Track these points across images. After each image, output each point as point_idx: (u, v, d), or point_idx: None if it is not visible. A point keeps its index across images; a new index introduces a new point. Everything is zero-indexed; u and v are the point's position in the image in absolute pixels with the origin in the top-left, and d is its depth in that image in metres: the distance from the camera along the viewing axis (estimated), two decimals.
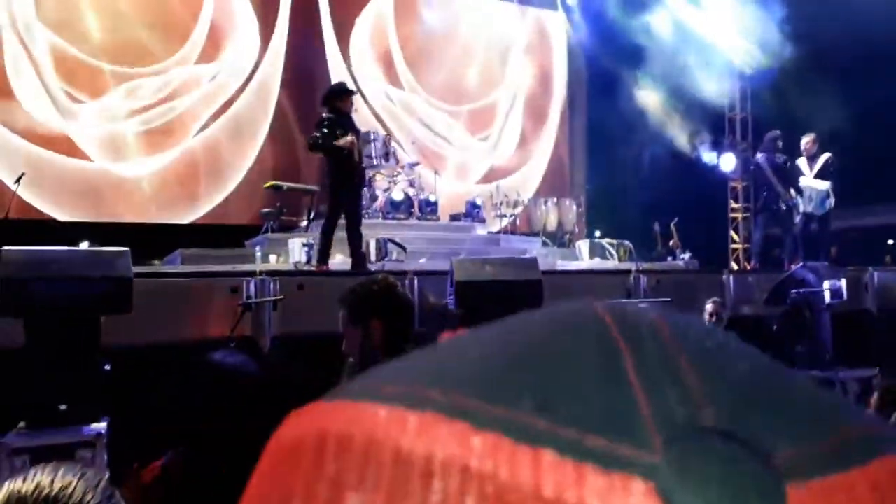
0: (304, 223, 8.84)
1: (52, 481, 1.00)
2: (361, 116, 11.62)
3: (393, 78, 12.03)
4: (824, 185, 7.99)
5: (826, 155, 8.13)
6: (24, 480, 1.00)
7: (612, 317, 0.21)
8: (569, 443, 0.17)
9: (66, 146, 9.46)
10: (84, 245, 5.96)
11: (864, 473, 0.19)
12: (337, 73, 11.43)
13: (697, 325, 0.22)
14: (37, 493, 0.98)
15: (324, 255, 6.12)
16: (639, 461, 0.17)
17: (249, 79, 10.75)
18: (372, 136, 6.32)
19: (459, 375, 0.20)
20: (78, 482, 1.02)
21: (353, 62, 11.58)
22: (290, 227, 8.86)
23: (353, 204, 6.15)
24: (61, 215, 9.33)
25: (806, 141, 8.20)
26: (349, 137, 5.90)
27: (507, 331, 0.22)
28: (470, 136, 12.63)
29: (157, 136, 10.08)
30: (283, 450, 0.21)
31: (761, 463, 0.17)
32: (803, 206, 8.06)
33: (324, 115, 6.04)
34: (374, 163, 6.32)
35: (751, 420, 0.19)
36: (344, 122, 6.02)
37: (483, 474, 0.17)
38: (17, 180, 7.26)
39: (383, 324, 2.03)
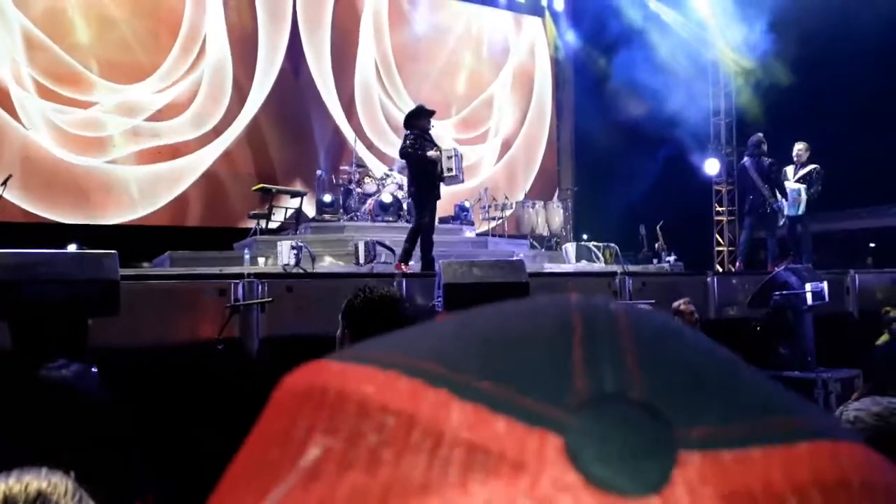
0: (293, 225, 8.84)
1: (46, 482, 1.00)
2: (355, 123, 11.60)
3: (383, 84, 12.08)
4: (797, 186, 8.04)
5: (814, 165, 8.12)
6: (14, 481, 1.00)
7: (578, 305, 0.24)
8: (503, 401, 0.20)
9: (52, 148, 9.42)
10: (72, 247, 5.94)
11: (779, 452, 0.20)
12: (323, 76, 11.45)
13: (657, 319, 0.25)
14: (27, 492, 0.99)
15: (407, 255, 6.66)
16: (559, 420, 0.20)
17: (237, 88, 10.77)
18: (455, 153, 6.79)
19: (430, 346, 0.23)
20: (66, 483, 1.03)
21: (346, 70, 11.62)
22: (279, 230, 8.86)
23: (434, 212, 6.83)
24: (51, 215, 9.29)
25: (799, 148, 8.17)
26: (435, 151, 6.64)
27: (484, 312, 0.26)
28: (459, 140, 12.68)
29: (144, 140, 10.06)
30: (278, 398, 0.25)
31: (660, 429, 0.20)
32: (787, 209, 8.12)
33: (410, 132, 6.70)
34: (460, 177, 6.83)
35: (674, 399, 0.21)
36: (427, 138, 6.71)
37: (426, 423, 0.20)
38: (4, 182, 7.22)
39: (353, 337, 2.03)
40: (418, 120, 6.74)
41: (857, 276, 7.07)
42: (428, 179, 6.64)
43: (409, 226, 8.84)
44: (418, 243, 6.65)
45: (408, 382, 0.21)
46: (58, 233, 8.16)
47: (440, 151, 6.76)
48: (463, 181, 7.68)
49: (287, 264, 6.56)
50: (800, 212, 8.04)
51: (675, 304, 5.06)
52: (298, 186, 10.18)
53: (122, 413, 1.80)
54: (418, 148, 6.58)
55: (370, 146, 11.73)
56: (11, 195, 8.32)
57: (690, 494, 0.19)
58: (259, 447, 0.23)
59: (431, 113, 6.91)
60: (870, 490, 0.20)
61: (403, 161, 9.71)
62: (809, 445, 0.21)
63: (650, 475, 0.19)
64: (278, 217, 9.07)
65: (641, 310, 0.25)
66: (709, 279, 6.65)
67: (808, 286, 5.91)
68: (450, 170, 6.75)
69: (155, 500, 1.70)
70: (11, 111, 9.12)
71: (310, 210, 9.75)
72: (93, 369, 1.77)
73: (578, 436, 0.19)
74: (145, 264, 7.50)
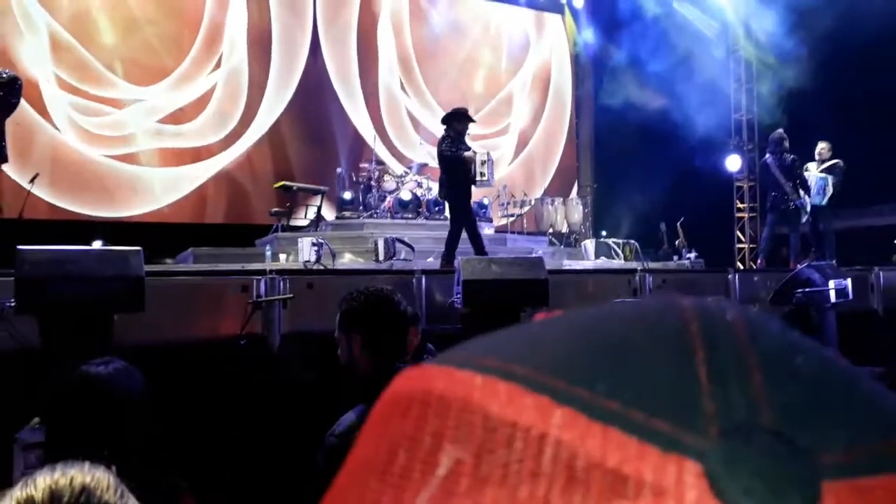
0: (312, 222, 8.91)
1: (90, 477, 1.03)
2: (368, 119, 11.64)
3: (402, 83, 12.11)
4: (823, 175, 8.06)
5: (836, 160, 8.22)
6: (59, 475, 1.02)
7: (693, 314, 0.24)
8: (635, 424, 0.20)
9: (79, 147, 9.58)
10: (97, 244, 6.04)
11: None
12: (343, 74, 11.49)
13: (774, 328, 0.24)
14: (72, 486, 1.01)
15: (450, 256, 6.72)
16: (694, 446, 0.20)
17: (258, 89, 10.86)
18: (488, 157, 6.99)
19: (546, 356, 0.23)
20: (109, 477, 1.06)
21: (366, 68, 11.67)
22: (306, 227, 8.94)
23: (471, 210, 7.08)
24: (77, 209, 9.45)
25: (822, 147, 8.29)
26: (470, 152, 6.84)
27: (595, 318, 0.25)
28: (477, 136, 12.69)
29: (167, 139, 10.19)
30: (394, 401, 0.24)
31: (801, 460, 0.20)
32: (812, 198, 8.10)
33: (446, 133, 6.89)
34: (490, 181, 7.06)
35: (804, 422, 0.20)
36: (462, 140, 6.90)
37: (558, 442, 0.20)
38: (32, 180, 7.36)
39: (363, 338, 1.95)
40: (457, 122, 6.90)
41: (881, 273, 6.98)
42: (463, 181, 6.80)
43: (427, 222, 8.93)
44: (451, 241, 6.74)
45: (534, 399, 0.21)
46: (82, 229, 8.30)
47: (475, 154, 6.91)
48: (492, 185, 7.88)
49: (308, 261, 6.62)
50: (824, 201, 8.05)
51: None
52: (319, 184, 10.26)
53: (159, 412, 1.83)
54: (455, 150, 6.74)
55: (389, 144, 11.77)
56: (40, 191, 8.49)
57: None
58: (383, 449, 0.23)
59: (471, 119, 7.07)
60: None
61: (418, 162, 9.84)
62: None
63: None
64: (299, 215, 9.15)
65: (760, 317, 0.25)
66: (730, 276, 6.60)
67: (831, 283, 5.82)
68: (483, 174, 6.92)
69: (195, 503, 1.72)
70: (42, 111, 9.29)
71: (329, 214, 9.81)
72: (116, 365, 1.80)
73: (717, 464, 0.19)
74: (168, 261, 7.60)
